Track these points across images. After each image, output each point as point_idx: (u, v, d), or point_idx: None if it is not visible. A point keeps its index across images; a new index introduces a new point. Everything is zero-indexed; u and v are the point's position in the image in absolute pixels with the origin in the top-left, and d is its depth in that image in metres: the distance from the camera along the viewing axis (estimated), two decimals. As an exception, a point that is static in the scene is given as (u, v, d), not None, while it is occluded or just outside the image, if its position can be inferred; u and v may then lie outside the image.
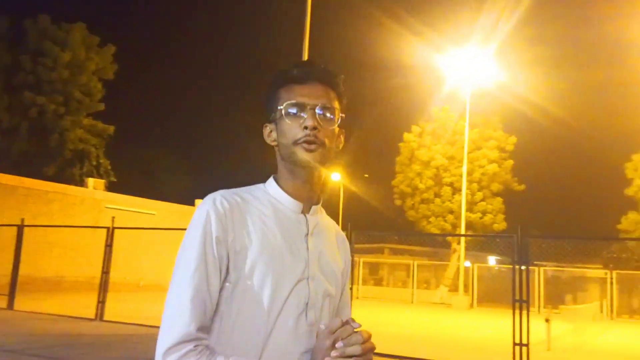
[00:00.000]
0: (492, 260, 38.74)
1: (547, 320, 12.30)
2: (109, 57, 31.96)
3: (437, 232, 30.33)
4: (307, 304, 1.29)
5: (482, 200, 31.13)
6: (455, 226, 30.06)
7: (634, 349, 13.55)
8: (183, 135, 78.16)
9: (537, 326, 9.00)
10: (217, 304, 1.24)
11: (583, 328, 17.07)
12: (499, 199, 31.57)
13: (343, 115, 1.36)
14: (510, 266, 27.83)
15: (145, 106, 72.97)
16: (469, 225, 29.70)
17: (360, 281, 31.24)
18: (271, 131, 1.37)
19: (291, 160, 1.32)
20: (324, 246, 1.38)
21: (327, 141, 1.31)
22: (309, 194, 1.36)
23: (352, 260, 1.49)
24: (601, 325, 20.81)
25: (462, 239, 28.09)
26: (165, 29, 77.27)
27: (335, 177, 44.14)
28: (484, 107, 31.79)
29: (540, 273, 26.37)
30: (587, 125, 51.78)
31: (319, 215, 1.41)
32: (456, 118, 32.03)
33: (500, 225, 31.16)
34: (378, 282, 35.04)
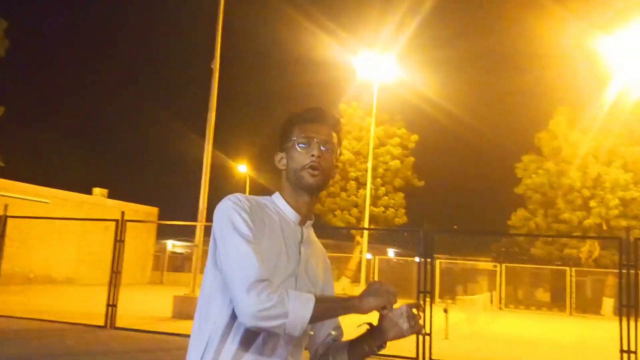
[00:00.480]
0: (390, 252, 40.16)
1: (445, 311, 13.01)
2: (-1, 32, 29.58)
3: (342, 225, 30.97)
4: None
5: (385, 195, 32.19)
6: (359, 219, 30.83)
7: (519, 335, 14.65)
8: (79, 119, 74.21)
9: (435, 315, 9.52)
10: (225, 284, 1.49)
11: (476, 317, 18.20)
12: (401, 194, 32.78)
13: (340, 151, 1.70)
14: (409, 258, 28.83)
15: (38, 87, 68.42)
16: (372, 219, 30.59)
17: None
18: (282, 158, 1.68)
19: (297, 183, 1.62)
20: (311, 255, 1.67)
21: (327, 169, 1.63)
22: (306, 211, 1.66)
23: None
24: (491, 314, 22.27)
25: (365, 232, 28.87)
26: (62, 5, 72.74)
27: (242, 168, 43.80)
28: (389, 105, 32.85)
29: (436, 265, 27.68)
30: (484, 127, 54.96)
31: (310, 230, 1.71)
32: (363, 115, 32.84)
33: (401, 219, 32.37)
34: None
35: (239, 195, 1.59)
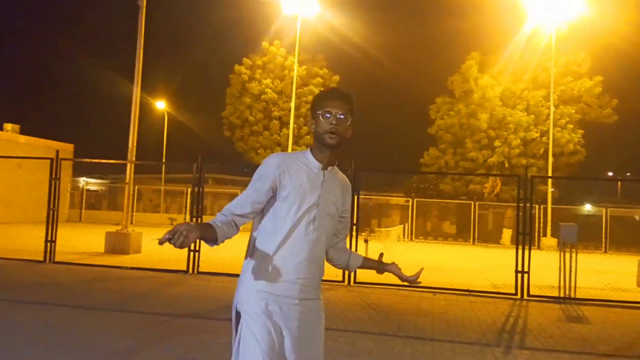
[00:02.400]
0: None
1: (366, 241, 14.30)
2: None
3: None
4: (315, 217, 2.34)
5: (307, 134, 33.02)
6: (281, 158, 31.52)
7: (428, 262, 16.27)
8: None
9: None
10: (272, 208, 2.32)
11: (391, 247, 19.82)
12: (322, 133, 33.76)
13: (352, 118, 2.38)
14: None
15: None
16: (294, 157, 31.37)
17: (187, 211, 31.59)
18: (312, 124, 2.39)
19: (321, 142, 2.36)
20: (331, 190, 2.41)
21: (342, 132, 2.35)
22: (327, 161, 2.40)
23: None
24: (403, 245, 24.14)
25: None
26: None
27: (160, 105, 42.88)
28: (311, 45, 33.18)
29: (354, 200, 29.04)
30: (401, 69, 56.45)
31: (333, 172, 2.44)
32: (285, 54, 32.97)
33: (322, 158, 33.46)
34: (202, 211, 35.60)
35: (274, 155, 2.39)
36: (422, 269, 2.53)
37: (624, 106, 32.10)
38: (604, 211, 28.79)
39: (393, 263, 2.59)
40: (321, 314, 2.41)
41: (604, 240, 27.73)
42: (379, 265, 2.60)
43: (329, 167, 2.40)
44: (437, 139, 33.83)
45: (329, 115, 2.32)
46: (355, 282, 10.35)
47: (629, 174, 33.44)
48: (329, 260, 2.60)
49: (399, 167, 44.39)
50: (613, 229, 28.41)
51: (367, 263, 2.64)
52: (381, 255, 2.59)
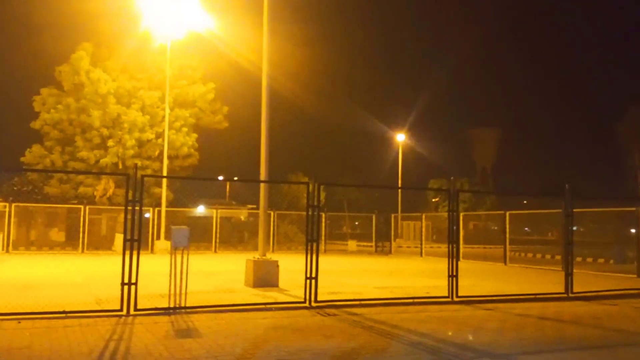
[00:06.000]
0: None
1: None
2: None
3: None
4: None
5: None
6: None
7: (24, 278, 13.65)
8: None
9: None
10: None
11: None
12: None
13: None
14: None
15: None
16: None
17: None
18: None
19: None
20: None
21: None
22: None
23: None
24: (-4, 258, 20.26)
25: None
26: None
27: None
28: None
29: None
30: (3, 50, 48.81)
31: None
32: None
33: None
34: None
35: None
36: None
37: (234, 114, 34.50)
38: (214, 212, 30.16)
39: None
40: None
41: (214, 240, 28.96)
42: None
43: None
44: (42, 135, 30.16)
45: None
46: None
47: (236, 177, 36.12)
48: None
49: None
50: (222, 229, 30.04)
51: None
52: None
